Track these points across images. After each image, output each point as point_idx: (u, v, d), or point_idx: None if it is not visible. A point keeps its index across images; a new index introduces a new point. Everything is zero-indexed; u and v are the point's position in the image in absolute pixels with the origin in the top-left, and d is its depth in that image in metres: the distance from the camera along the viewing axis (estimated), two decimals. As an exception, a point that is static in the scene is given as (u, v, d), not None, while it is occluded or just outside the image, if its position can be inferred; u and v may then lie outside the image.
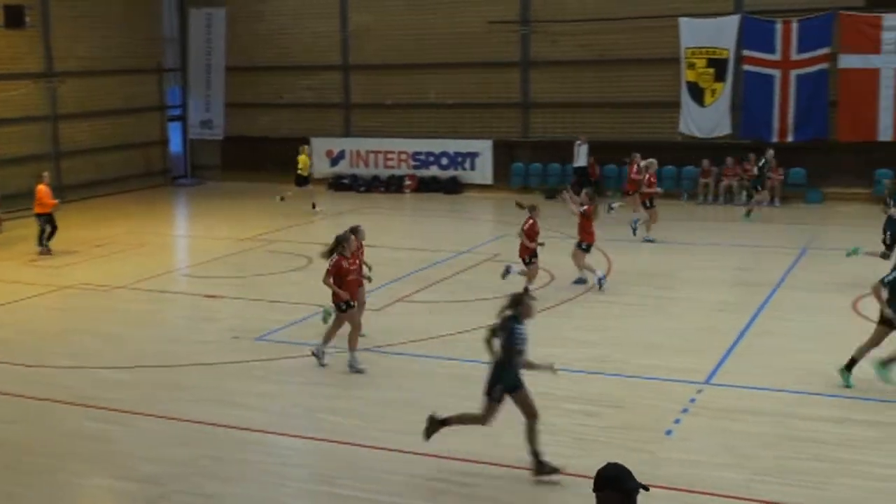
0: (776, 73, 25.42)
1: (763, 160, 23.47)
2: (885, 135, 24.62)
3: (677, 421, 10.25)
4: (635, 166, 22.32)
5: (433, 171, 29.68)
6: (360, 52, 30.44)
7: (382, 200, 28.46)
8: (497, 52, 28.61)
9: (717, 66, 26.01)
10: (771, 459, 9.21)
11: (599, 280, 16.16)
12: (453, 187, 28.97)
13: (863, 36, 24.54)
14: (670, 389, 11.26)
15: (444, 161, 29.40)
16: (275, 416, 10.82)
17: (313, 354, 12.43)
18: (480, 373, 11.87)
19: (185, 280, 18.61)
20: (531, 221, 15.40)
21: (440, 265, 18.54)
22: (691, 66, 26.21)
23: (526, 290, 12.75)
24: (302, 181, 26.03)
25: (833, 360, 12.12)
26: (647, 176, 20.88)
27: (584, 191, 18.17)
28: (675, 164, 26.79)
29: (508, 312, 8.93)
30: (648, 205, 20.83)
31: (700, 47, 26.10)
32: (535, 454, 8.84)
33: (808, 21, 24.97)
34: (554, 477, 8.80)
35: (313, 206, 25.54)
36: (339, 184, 30.30)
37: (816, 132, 25.25)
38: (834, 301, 15.05)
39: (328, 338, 12.41)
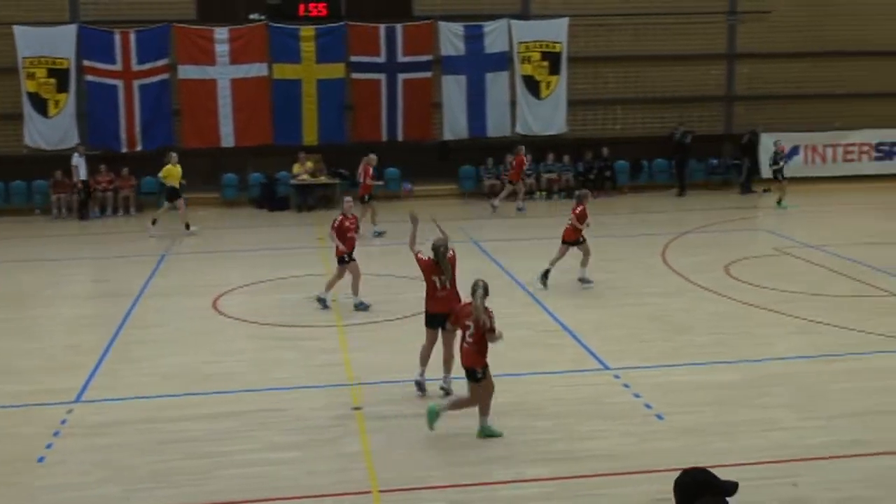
0: (119, 83, 25.61)
1: (776, 152, 24.25)
2: (227, 141, 26.23)
3: (49, 446, 10.00)
4: (515, 161, 23.07)
5: None
6: None
7: None
8: None
9: (59, 76, 25.43)
10: (146, 466, 9.46)
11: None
12: None
13: (197, 48, 25.83)
14: (38, 414, 10.92)
15: None
16: None
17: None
18: None
19: None
20: (581, 207, 15.80)
21: None
22: (31, 76, 25.30)
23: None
24: (173, 194, 21.71)
25: (198, 360, 12.79)
26: (363, 168, 21.04)
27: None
28: (23, 178, 25.66)
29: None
30: (367, 199, 20.87)
31: (38, 56, 25.29)
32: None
33: (145, 32, 25.58)
34: None
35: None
36: None
37: (163, 140, 25.97)
38: (194, 303, 15.77)
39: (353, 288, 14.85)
